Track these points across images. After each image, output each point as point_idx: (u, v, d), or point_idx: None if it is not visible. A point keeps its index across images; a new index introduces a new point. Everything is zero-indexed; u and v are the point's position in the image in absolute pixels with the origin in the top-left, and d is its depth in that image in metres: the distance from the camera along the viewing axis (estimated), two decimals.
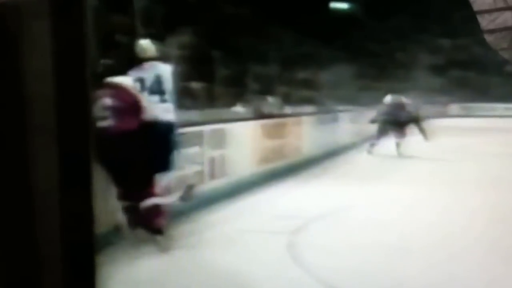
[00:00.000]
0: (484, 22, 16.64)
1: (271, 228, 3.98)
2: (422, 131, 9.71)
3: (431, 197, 5.18)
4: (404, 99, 10.08)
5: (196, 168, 4.79)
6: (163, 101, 3.34)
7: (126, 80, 3.29)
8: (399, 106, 9.67)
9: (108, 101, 3.09)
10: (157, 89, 3.33)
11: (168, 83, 3.38)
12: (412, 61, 22.37)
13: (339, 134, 10.05)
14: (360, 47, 14.88)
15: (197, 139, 4.85)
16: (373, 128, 11.91)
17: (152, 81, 3.34)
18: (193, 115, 5.52)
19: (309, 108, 9.59)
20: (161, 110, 3.31)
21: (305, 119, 8.34)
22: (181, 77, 6.04)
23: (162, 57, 3.63)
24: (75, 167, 0.75)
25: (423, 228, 3.94)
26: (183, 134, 4.51)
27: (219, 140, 5.27)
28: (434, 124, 12.70)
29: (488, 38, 17.30)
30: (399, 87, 16.43)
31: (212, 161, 5.10)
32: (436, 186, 5.77)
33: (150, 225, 3.25)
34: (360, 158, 8.97)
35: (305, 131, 8.09)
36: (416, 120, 9.83)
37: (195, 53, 6.92)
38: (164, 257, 3.20)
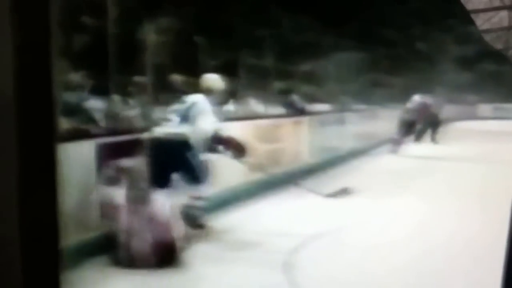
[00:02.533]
0: (479, 21, 17.77)
1: (264, 247, 4.18)
2: (434, 135, 10.22)
3: (446, 214, 5.41)
4: (430, 99, 10.62)
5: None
6: (184, 120, 4.44)
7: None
8: (425, 108, 10.27)
9: None
10: (184, 111, 4.45)
11: (201, 111, 4.45)
12: (436, 52, 22.55)
13: (346, 137, 10.29)
14: (373, 34, 15.16)
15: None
16: (386, 131, 12.25)
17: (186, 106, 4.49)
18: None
19: (311, 107, 9.83)
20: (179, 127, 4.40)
21: (305, 119, 8.54)
22: (160, 69, 6.25)
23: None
24: (37, 170, 0.81)
25: (438, 251, 4.05)
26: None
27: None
28: (457, 127, 13.02)
29: (484, 37, 18.25)
30: (419, 83, 16.73)
31: None
32: (454, 201, 6.01)
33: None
34: (370, 166, 9.23)
35: (306, 134, 8.32)
36: (436, 123, 10.29)
37: (177, 40, 7.13)
38: (138, 279, 3.42)
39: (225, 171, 5.70)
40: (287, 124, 7.83)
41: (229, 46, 7.96)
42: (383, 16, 15.56)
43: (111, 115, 4.78)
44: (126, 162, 4.32)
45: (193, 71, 6.45)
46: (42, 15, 0.82)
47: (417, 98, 10.80)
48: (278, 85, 8.69)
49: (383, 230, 4.82)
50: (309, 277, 3.58)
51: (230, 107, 6.83)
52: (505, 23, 18.71)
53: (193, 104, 4.47)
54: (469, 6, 15.43)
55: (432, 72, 20.44)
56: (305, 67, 10.25)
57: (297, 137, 8.07)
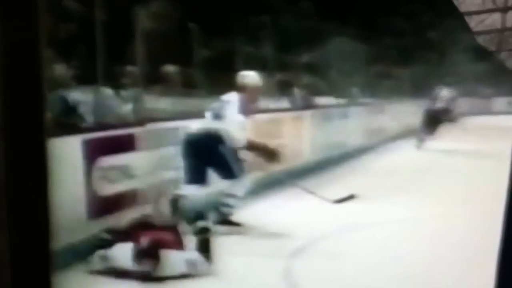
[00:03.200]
0: (473, 23, 18.87)
1: (263, 251, 4.22)
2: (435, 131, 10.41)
3: (459, 216, 5.44)
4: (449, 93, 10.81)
5: (169, 174, 5.03)
6: (217, 117, 4.76)
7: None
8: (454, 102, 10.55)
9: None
10: (218, 109, 4.80)
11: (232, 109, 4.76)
12: (448, 41, 22.51)
13: (350, 133, 10.32)
14: (379, 22, 15.17)
15: (171, 137, 5.08)
16: (394, 127, 12.30)
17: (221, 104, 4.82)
18: (166, 107, 5.75)
19: (313, 100, 9.85)
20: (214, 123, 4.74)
21: (307, 114, 8.56)
22: (151, 59, 6.26)
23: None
24: (26, 169, 0.82)
25: (451, 259, 4.03)
26: (152, 131, 4.80)
27: None
28: (471, 122, 13.05)
29: (477, 39, 19.37)
30: (429, 75, 16.71)
31: None
32: (467, 203, 6.04)
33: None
34: (377, 165, 9.27)
35: (307, 130, 8.34)
36: (450, 117, 10.44)
37: (170, 27, 7.14)
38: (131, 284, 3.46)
39: None
40: (288, 119, 7.85)
41: (225, 34, 7.97)
42: (390, 2, 15.57)
43: (99, 108, 4.79)
44: (117, 159, 4.35)
45: (187, 61, 6.48)
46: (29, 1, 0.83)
47: (445, 93, 10.98)
48: (278, 76, 8.71)
49: (389, 233, 4.85)
50: (310, 282, 3.61)
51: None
52: (498, 25, 20.06)
53: (227, 103, 4.78)
54: (463, 7, 16.34)
55: (443, 63, 20.44)
56: (307, 57, 10.26)
57: (298, 133, 8.09)
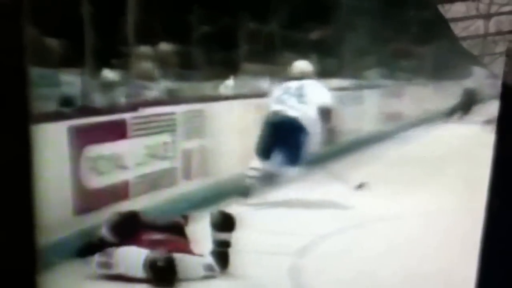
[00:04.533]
0: (458, 30, 21.52)
1: (268, 248, 4.27)
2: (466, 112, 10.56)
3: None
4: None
5: (164, 164, 5.07)
6: (300, 102, 5.62)
7: None
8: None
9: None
10: (296, 93, 5.68)
11: (312, 95, 5.66)
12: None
13: (364, 119, 10.32)
14: None
15: (167, 123, 5.12)
16: (414, 112, 12.27)
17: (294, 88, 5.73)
18: (161, 90, 5.75)
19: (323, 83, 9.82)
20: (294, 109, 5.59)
21: None
22: (143, 35, 6.25)
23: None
24: (9, 158, 0.85)
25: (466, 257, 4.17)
26: (146, 117, 4.82)
27: (198, 126, 5.55)
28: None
29: (463, 44, 22.07)
30: (455, 54, 16.64)
31: (187, 155, 5.38)
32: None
33: None
34: (393, 153, 9.28)
35: None
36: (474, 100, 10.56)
37: (164, 0, 7.11)
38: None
39: (219, 160, 5.75)
40: None
41: (227, 8, 7.93)
42: None
43: (87, 92, 4.80)
44: (107, 148, 4.37)
45: (185, 39, 6.46)
46: None
47: (481, 72, 11.14)
48: (285, 56, 8.68)
49: (405, 228, 4.88)
50: (317, 282, 3.66)
51: (229, 82, 6.85)
52: (481, 31, 23.95)
53: (303, 85, 5.70)
54: (448, 15, 18.48)
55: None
56: (317, 34, 10.21)
57: None
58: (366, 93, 10.73)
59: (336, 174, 6.28)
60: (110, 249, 3.69)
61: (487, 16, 23.57)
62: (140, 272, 3.56)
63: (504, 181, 1.17)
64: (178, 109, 5.30)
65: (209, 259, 3.74)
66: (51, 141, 3.88)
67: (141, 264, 3.57)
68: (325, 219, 5.14)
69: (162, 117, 5.12)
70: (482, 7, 22.94)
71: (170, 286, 3.56)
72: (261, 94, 7.10)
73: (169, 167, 5.12)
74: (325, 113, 5.65)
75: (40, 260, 0.89)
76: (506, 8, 22.70)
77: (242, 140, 6.32)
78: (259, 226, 4.80)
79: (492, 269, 1.18)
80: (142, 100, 5.04)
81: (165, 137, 5.08)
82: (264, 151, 5.61)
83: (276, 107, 5.65)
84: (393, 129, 11.43)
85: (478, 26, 23.73)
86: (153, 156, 4.93)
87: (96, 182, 4.27)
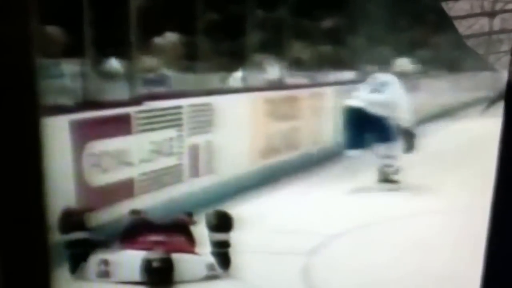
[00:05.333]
0: (462, 28, 22.26)
1: (278, 248, 4.30)
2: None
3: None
4: None
5: (170, 161, 5.09)
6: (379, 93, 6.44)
7: None
8: None
9: None
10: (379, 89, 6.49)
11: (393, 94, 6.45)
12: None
13: None
14: None
15: (173, 118, 5.14)
16: (430, 106, 12.22)
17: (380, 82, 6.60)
18: (167, 83, 5.77)
19: (335, 75, 9.81)
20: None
21: (328, 91, 8.57)
22: (146, 25, 6.25)
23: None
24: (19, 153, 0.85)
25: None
26: (151, 111, 4.84)
27: (205, 121, 5.57)
28: None
29: (467, 43, 22.58)
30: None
31: (194, 151, 5.39)
32: None
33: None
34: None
35: (330, 109, 8.33)
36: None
37: None
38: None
39: (228, 156, 5.77)
40: (307, 97, 7.88)
41: None
42: None
43: (88, 84, 4.81)
44: (111, 144, 4.39)
45: (190, 28, 6.46)
46: None
47: None
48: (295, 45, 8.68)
49: (421, 227, 4.91)
50: (330, 283, 3.70)
51: (238, 74, 6.86)
52: (486, 29, 24.40)
53: (386, 83, 6.51)
54: (452, 13, 18.84)
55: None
56: (330, 22, 10.19)
57: (319, 113, 8.13)
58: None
59: (353, 170, 6.35)
60: (105, 256, 3.71)
61: (492, 14, 23.85)
62: (137, 276, 3.57)
63: (509, 181, 1.18)
64: (185, 103, 5.32)
65: (211, 258, 3.76)
66: (52, 137, 3.89)
67: (137, 267, 3.57)
68: (338, 217, 5.18)
69: (168, 111, 5.14)
70: (487, 5, 23.27)
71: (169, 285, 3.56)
72: (272, 87, 7.12)
73: (175, 164, 5.14)
74: (408, 136, 6.52)
75: (52, 260, 0.90)
76: (511, 6, 23.09)
77: (252, 135, 6.36)
78: (268, 225, 4.87)
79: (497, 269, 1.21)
80: (147, 93, 5.04)
81: (171, 132, 5.10)
82: (356, 144, 6.44)
83: (358, 100, 6.47)
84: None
85: (482, 24, 24.14)
86: (159, 152, 4.95)
87: (99, 179, 4.29)
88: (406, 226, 4.95)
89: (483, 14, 23.42)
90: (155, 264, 3.54)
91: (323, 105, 8.29)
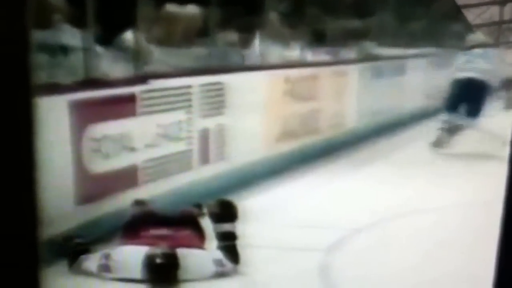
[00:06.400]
0: (471, 16, 23.45)
1: (295, 244, 4.27)
2: None
3: None
4: None
5: (179, 146, 5.05)
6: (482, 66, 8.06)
7: None
8: None
9: None
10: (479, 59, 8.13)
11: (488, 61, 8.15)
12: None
13: (407, 94, 10.22)
14: None
15: (182, 99, 5.10)
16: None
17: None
18: (175, 58, 5.71)
19: (358, 51, 9.73)
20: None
21: (351, 69, 8.49)
22: None
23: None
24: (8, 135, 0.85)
25: None
26: (158, 90, 4.80)
27: (217, 102, 5.52)
28: None
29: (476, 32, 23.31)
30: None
31: (204, 135, 5.36)
32: None
33: None
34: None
35: (351, 89, 8.31)
36: None
37: None
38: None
39: (241, 141, 5.74)
40: (329, 75, 7.79)
41: None
42: None
43: (90, 60, 4.76)
44: (113, 127, 4.36)
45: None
46: None
47: None
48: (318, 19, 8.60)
49: (450, 221, 4.89)
50: (351, 283, 3.68)
51: (253, 50, 6.78)
52: (496, 18, 25.29)
53: (484, 53, 8.17)
54: (460, 1, 19.65)
55: None
56: None
57: (341, 93, 8.06)
58: (410, 63, 10.62)
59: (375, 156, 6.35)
60: (106, 250, 3.72)
61: (503, 2, 25.01)
62: (139, 273, 3.56)
63: None
64: (195, 82, 5.27)
65: (219, 254, 3.76)
66: (49, 118, 3.85)
67: (140, 263, 3.55)
68: (362, 210, 5.14)
69: (177, 91, 5.09)
70: None
71: (171, 286, 3.55)
72: (291, 64, 7.04)
73: (184, 150, 5.11)
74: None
75: (42, 256, 0.90)
76: None
77: (268, 118, 6.31)
78: (284, 218, 4.86)
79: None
80: (153, 71, 4.99)
81: (180, 115, 5.06)
82: (452, 106, 7.95)
83: (463, 70, 7.99)
84: (440, 106, 11.24)
85: (493, 13, 25.06)
86: (166, 136, 4.92)
87: (101, 166, 4.27)
88: (437, 219, 4.91)
89: (493, 2, 24.56)
90: (158, 260, 3.52)
91: (347, 85, 8.22)
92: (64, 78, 4.43)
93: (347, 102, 8.20)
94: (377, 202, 5.39)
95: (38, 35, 4.51)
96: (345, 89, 8.18)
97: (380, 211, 5.09)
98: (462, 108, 7.88)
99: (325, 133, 7.47)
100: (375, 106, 8.85)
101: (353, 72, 8.46)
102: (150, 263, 3.53)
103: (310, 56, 7.81)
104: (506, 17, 24.79)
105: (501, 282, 1.19)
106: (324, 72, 7.73)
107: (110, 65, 4.88)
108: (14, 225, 0.86)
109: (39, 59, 4.48)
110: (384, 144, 8.17)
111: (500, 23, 25.22)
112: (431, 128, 9.23)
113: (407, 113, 9.99)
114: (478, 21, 23.55)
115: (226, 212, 3.88)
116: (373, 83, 8.91)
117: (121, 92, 4.57)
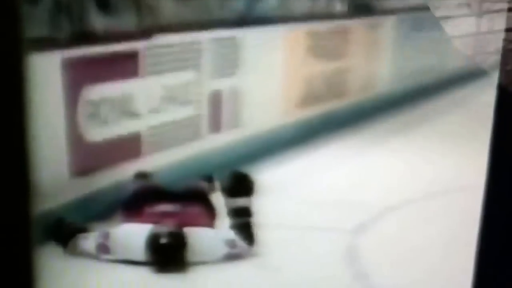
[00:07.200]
0: (449, 28, 23.77)
1: (317, 223, 4.35)
2: None
3: None
4: None
5: (186, 111, 5.11)
6: None
7: None
8: None
9: None
10: None
11: None
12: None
13: (447, 51, 10.15)
14: None
15: (190, 56, 5.13)
16: None
17: None
18: (182, 9, 5.72)
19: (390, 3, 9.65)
20: None
21: (383, 22, 8.44)
22: None
23: None
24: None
25: None
26: (163, 47, 4.82)
27: (229, 60, 5.55)
28: None
29: (454, 43, 23.40)
30: None
31: (215, 99, 5.40)
32: None
33: None
34: (487, 99, 9.16)
35: (384, 46, 8.27)
36: None
37: None
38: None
39: (257, 105, 5.76)
40: (358, 29, 7.77)
41: None
42: None
43: (86, 11, 4.79)
44: (113, 89, 4.39)
45: None
46: None
47: None
48: None
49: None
50: (381, 266, 3.76)
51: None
52: (473, 30, 26.35)
53: None
54: (438, 13, 19.81)
55: None
56: None
57: (373, 50, 8.04)
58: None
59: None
60: (105, 229, 3.79)
61: (479, 14, 25.99)
62: (141, 254, 3.62)
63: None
64: (205, 37, 5.28)
65: (231, 233, 3.80)
66: (40, 78, 3.88)
67: (142, 243, 3.60)
68: (392, 186, 5.19)
69: (184, 48, 5.12)
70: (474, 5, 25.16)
71: (177, 271, 3.61)
72: (314, 16, 6.99)
73: (192, 115, 5.17)
74: None
75: (34, 233, 0.93)
76: (499, 6, 24.27)
77: (287, 79, 6.33)
78: (304, 195, 4.90)
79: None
80: (158, 25, 4.99)
81: (188, 75, 5.10)
82: None
83: None
84: (488, 64, 11.22)
85: (470, 24, 26.76)
86: (172, 100, 4.97)
87: (98, 133, 4.32)
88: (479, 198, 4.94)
89: (470, 15, 25.72)
90: (163, 240, 3.58)
91: (378, 41, 8.19)
92: (56, 32, 4.45)
93: (380, 61, 8.17)
94: (410, 179, 5.43)
95: None
96: (378, 45, 8.15)
97: (414, 188, 5.14)
98: None
99: (353, 97, 7.47)
100: (413, 66, 8.76)
101: (387, 26, 8.40)
102: (154, 243, 3.58)
103: (338, 6, 7.75)
104: (483, 29, 26.75)
105: None
106: (353, 25, 7.70)
107: (109, 16, 4.91)
108: (2, 199, 0.88)
109: (28, 10, 4.52)
110: (422, 111, 8.09)
111: (477, 34, 27.08)
112: (479, 92, 9.25)
113: (451, 74, 9.92)
114: (455, 32, 25.08)
115: (240, 186, 3.92)
116: (411, 38, 8.82)
117: (121, 48, 4.58)
